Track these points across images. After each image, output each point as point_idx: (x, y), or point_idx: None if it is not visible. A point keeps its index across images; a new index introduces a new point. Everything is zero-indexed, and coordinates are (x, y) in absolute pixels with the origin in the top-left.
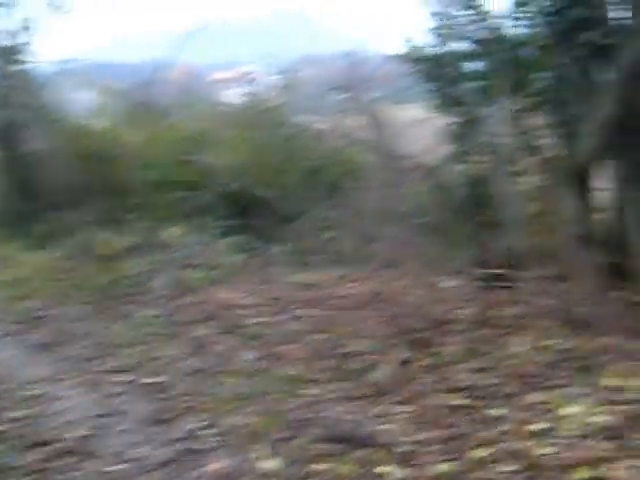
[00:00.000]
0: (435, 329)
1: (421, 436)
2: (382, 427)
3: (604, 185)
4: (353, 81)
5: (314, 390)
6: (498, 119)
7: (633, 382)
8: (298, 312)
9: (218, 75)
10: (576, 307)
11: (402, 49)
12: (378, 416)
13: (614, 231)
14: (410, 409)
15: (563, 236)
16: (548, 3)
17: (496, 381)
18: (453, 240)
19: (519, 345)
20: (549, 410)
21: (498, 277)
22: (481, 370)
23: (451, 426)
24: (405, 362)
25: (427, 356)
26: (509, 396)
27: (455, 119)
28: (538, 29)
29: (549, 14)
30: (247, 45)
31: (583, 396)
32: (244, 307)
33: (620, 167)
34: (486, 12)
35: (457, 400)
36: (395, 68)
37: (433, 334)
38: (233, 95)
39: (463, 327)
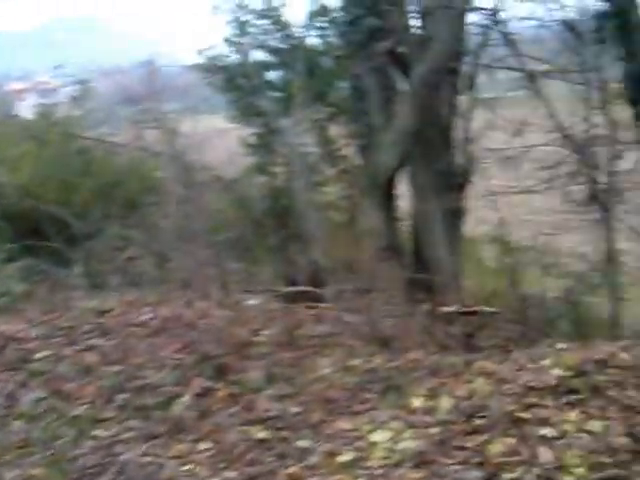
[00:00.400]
0: (237, 354)
1: (224, 476)
2: (182, 468)
3: (408, 195)
4: (150, 92)
5: (108, 431)
6: (299, 129)
7: (442, 402)
8: (91, 342)
9: (12, 86)
10: (382, 323)
11: (200, 59)
12: (178, 456)
13: (417, 242)
14: (211, 446)
15: (368, 248)
16: (342, 13)
17: (301, 409)
18: (257, 256)
19: (325, 367)
20: (358, 438)
21: (304, 293)
22: (286, 397)
23: (255, 462)
24: (205, 392)
25: (229, 384)
26: (316, 425)
27: (256, 130)
28: (335, 39)
29: (344, 24)
30: (43, 54)
31: (392, 420)
32: (31, 339)
33: (421, 177)
34: (284, 22)
35: (261, 432)
36: (195, 78)
37: (235, 359)
38: (27, 107)
39: (267, 350)
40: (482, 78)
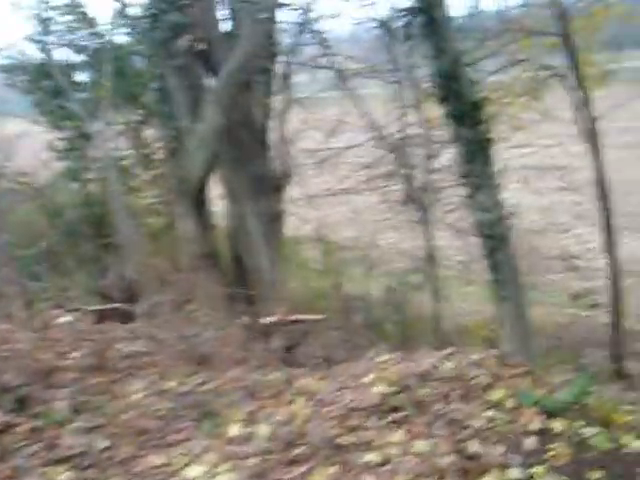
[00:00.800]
0: (41, 382)
1: None
2: None
3: (223, 200)
4: None
5: None
6: (110, 133)
7: (261, 428)
8: None
9: None
10: (199, 339)
11: (1, 58)
12: None
13: (236, 248)
14: None
15: (185, 257)
16: (147, 9)
17: (110, 442)
18: (69, 269)
19: (137, 392)
20: (171, 473)
21: (117, 309)
22: (93, 429)
23: None
24: (5, 429)
25: (31, 418)
26: (125, 461)
27: (66, 134)
28: (142, 37)
29: (147, 20)
30: None
31: (208, 451)
32: None
33: (234, 181)
34: (90, 19)
35: (65, 473)
36: None
37: (39, 389)
38: None
39: (74, 375)
40: (300, 77)
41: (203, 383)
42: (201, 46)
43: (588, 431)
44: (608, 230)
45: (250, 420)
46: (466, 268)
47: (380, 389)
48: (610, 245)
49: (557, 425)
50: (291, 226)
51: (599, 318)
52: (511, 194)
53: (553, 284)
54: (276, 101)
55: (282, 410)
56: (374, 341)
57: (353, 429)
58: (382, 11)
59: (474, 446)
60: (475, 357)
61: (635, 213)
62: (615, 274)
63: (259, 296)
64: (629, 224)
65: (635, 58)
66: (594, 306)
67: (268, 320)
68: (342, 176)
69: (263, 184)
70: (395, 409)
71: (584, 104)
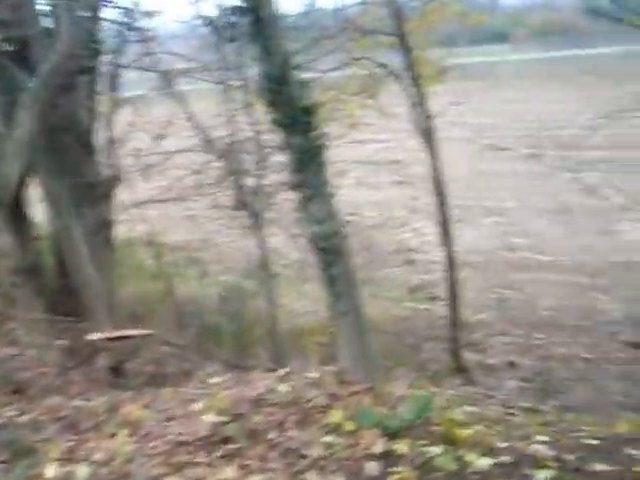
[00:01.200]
0: None
1: None
2: None
3: (45, 209)
4: None
5: None
6: None
7: (80, 469)
8: None
9: None
10: (16, 362)
11: None
12: None
13: (60, 261)
14: None
15: (2, 271)
16: None
17: None
18: None
19: None
20: None
21: None
22: None
23: None
24: None
25: None
26: None
27: None
28: None
29: None
30: None
31: None
32: None
33: (56, 188)
34: None
35: None
36: None
37: None
38: None
39: None
40: (128, 76)
41: (19, 415)
42: (8, 46)
43: (432, 450)
44: (444, 223)
45: (69, 458)
46: (301, 267)
47: (211, 418)
48: (446, 238)
49: (400, 446)
50: (123, 229)
51: (437, 311)
52: (347, 191)
53: (391, 278)
54: (102, 102)
55: (104, 445)
56: (209, 351)
57: (181, 466)
58: (209, 9)
59: (312, 477)
60: (312, 376)
61: (469, 206)
62: (452, 266)
63: (87, 310)
64: (464, 217)
65: (471, 55)
66: (432, 299)
67: (95, 337)
68: (173, 180)
69: (89, 189)
70: (227, 440)
71: (420, 101)
